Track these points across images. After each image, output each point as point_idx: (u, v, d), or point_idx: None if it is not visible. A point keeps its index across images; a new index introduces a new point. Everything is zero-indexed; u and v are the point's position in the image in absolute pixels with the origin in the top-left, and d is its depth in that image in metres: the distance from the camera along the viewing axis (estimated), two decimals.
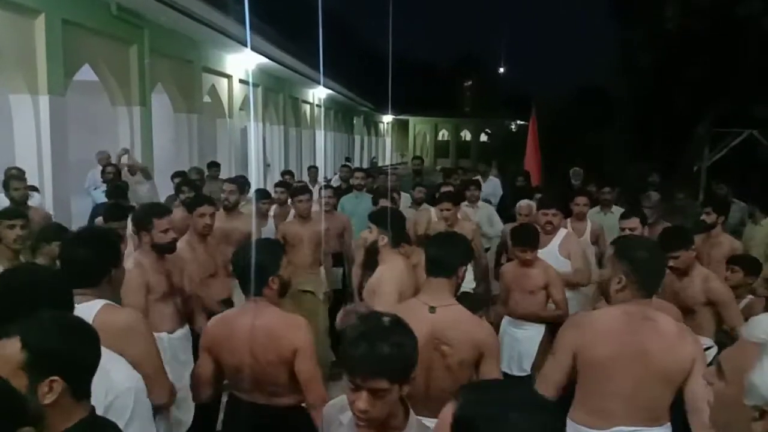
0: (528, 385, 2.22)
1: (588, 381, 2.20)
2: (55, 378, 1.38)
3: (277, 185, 6.24)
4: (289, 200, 6.01)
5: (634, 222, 4.01)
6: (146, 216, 3.16)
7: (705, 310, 3.28)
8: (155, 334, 3.06)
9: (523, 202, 5.33)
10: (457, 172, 9.26)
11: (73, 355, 1.43)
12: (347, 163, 11.90)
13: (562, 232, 4.44)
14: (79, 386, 1.45)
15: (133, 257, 3.14)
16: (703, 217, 4.69)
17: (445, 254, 2.42)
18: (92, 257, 2.18)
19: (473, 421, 1.08)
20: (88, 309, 2.06)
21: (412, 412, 1.63)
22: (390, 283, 3.05)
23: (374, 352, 1.47)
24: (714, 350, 2.80)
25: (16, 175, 5.28)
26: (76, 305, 2.09)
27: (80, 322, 1.55)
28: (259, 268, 2.35)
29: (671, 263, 3.22)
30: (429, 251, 2.46)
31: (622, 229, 4.02)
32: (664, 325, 2.17)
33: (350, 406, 1.54)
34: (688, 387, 2.10)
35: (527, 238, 3.85)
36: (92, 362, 1.50)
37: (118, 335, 2.03)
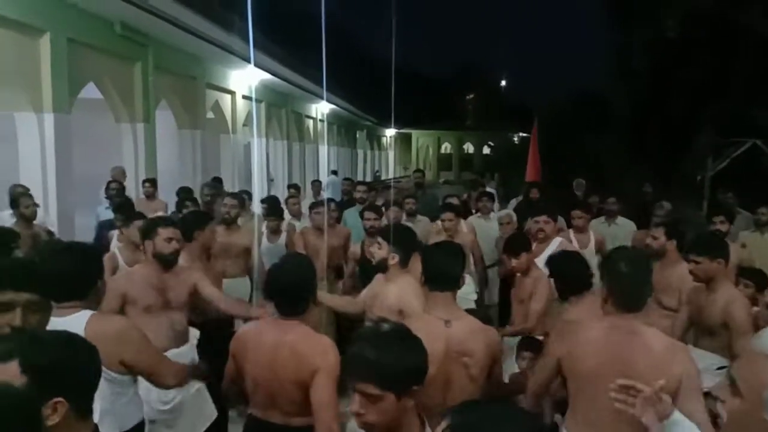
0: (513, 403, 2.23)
1: (576, 391, 2.19)
2: (59, 399, 1.33)
3: (262, 201, 6.25)
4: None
5: (659, 232, 3.89)
6: (152, 224, 3.29)
7: (725, 333, 3.02)
8: None
9: (503, 212, 5.42)
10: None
11: (75, 374, 1.39)
12: (348, 177, 11.93)
13: (555, 242, 4.30)
14: (83, 404, 1.42)
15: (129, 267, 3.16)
16: (718, 226, 4.63)
17: (449, 267, 2.40)
18: (82, 270, 2.24)
19: None
20: (77, 320, 2.12)
21: (428, 427, 1.59)
22: (418, 303, 2.90)
23: (362, 354, 1.48)
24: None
25: (25, 193, 5.33)
26: (65, 318, 2.10)
27: (78, 338, 1.51)
28: (303, 287, 2.34)
29: (690, 267, 3.16)
30: (432, 265, 2.42)
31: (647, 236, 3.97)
32: (651, 340, 2.06)
33: None
34: (680, 408, 1.84)
35: (510, 245, 3.85)
36: (94, 378, 1.46)
37: (112, 342, 2.12)
